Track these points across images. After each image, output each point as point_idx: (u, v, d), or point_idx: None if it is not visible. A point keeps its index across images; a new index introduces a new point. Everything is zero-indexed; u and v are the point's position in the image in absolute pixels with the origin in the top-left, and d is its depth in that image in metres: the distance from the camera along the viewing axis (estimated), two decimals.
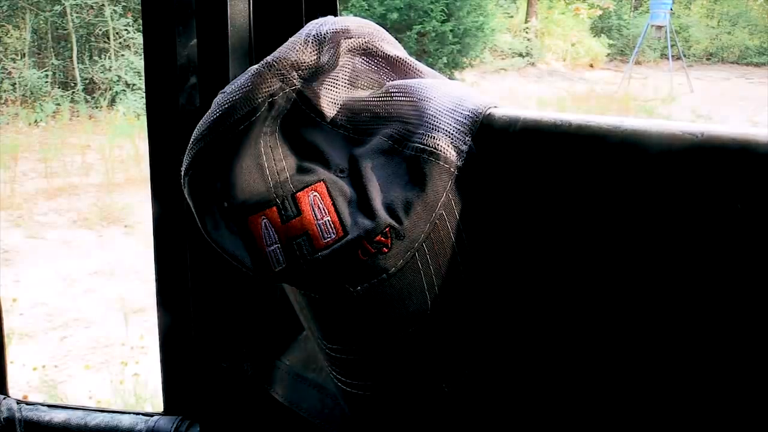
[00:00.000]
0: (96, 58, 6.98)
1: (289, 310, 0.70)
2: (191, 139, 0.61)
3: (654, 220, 0.55)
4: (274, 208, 0.59)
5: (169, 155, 0.78)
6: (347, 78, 0.68)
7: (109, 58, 6.95)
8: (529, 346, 0.64)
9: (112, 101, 6.71)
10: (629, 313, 0.57)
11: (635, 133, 0.55)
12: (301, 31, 0.64)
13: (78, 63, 6.91)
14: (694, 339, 0.55)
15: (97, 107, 6.68)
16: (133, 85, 6.71)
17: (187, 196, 0.62)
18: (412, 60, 0.70)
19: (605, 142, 0.56)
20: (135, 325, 3.13)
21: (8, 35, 6.81)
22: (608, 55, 10.24)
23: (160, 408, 0.88)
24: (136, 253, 3.93)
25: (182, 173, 0.62)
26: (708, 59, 10.54)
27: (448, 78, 0.71)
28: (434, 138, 0.61)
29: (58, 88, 6.78)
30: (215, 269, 0.80)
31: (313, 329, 0.65)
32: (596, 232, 0.58)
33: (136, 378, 2.72)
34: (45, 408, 0.89)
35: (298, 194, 0.59)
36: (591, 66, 9.95)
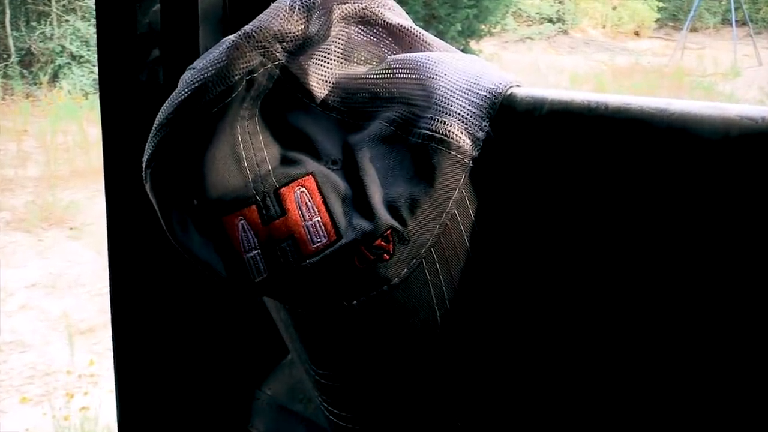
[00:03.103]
0: (34, 23, 6.99)
1: (271, 329, 0.71)
2: (154, 124, 0.62)
3: (706, 219, 0.55)
4: (254, 207, 0.59)
5: (126, 143, 0.79)
6: (341, 51, 0.69)
7: (51, 24, 6.95)
8: (559, 370, 0.64)
9: (55, 76, 6.71)
10: (685, 328, 0.58)
11: (684, 117, 0.55)
12: None
13: (12, 30, 6.92)
14: (748, 347, 0.55)
15: (35, 84, 6.69)
16: (80, 57, 6.72)
17: (149, 191, 0.63)
18: (418, 29, 0.71)
19: (648, 128, 0.57)
20: (82, 349, 3.14)
21: None
22: (657, 20, 10.23)
23: None
24: (84, 262, 3.94)
25: (143, 164, 0.62)
26: None
27: (462, 50, 0.72)
28: (445, 123, 0.62)
29: None
30: (183, 280, 0.81)
31: (299, 352, 0.66)
32: (638, 235, 0.59)
33: (84, 412, 2.73)
34: None
35: (282, 190, 0.60)
36: (636, 34, 9.95)
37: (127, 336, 0.85)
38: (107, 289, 0.86)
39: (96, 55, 0.81)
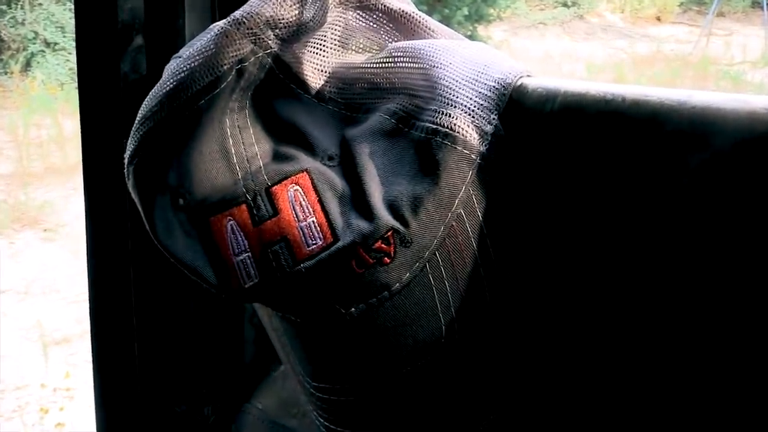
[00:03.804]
0: (3, 7, 6.99)
1: (262, 339, 0.71)
2: (137, 118, 0.62)
3: (730, 219, 0.56)
4: (244, 206, 0.60)
5: (107, 138, 0.79)
6: (338, 38, 0.69)
7: (22, 7, 6.95)
8: (571, 381, 0.65)
9: (27, 65, 6.70)
10: (710, 333, 0.58)
11: (706, 110, 0.56)
12: None
13: None
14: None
15: (6, 73, 6.69)
16: (55, 44, 6.71)
17: (131, 190, 0.63)
18: (421, 14, 0.71)
19: (668, 122, 0.57)
20: (58, 360, 3.14)
21: None
22: (681, 4, 10.21)
23: None
24: (59, 266, 3.94)
25: (126, 161, 0.63)
26: None
27: (469, 37, 0.72)
28: (450, 116, 0.62)
29: None
30: (167, 286, 0.81)
31: (293, 363, 0.66)
32: (659, 239, 0.59)
33: (60, 429, 2.73)
34: None
35: (274, 188, 0.60)
36: (658, 19, 9.93)
37: (107, 346, 0.86)
38: (84, 296, 0.86)
39: (73, 43, 0.81)
